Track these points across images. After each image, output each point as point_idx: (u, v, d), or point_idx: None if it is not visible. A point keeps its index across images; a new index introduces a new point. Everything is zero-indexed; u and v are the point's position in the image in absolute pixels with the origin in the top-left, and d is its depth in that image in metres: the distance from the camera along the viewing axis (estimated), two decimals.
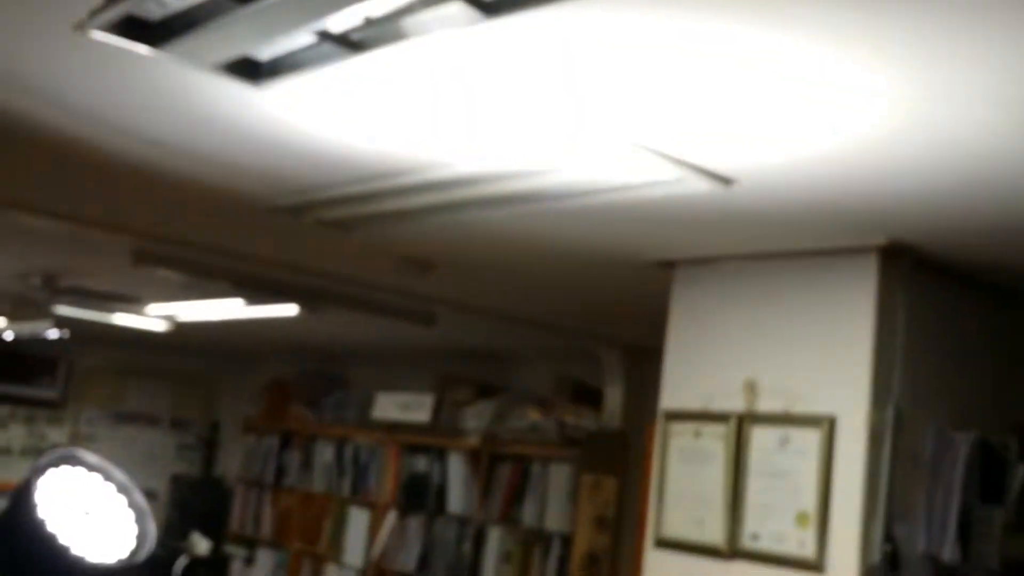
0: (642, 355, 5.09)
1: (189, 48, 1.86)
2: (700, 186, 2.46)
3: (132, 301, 5.59)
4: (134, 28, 1.86)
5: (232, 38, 1.81)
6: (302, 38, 1.83)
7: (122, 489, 2.51)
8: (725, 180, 2.44)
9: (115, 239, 4.12)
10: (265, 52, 1.94)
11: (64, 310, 5.50)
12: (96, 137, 2.68)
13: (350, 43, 1.81)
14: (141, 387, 8.61)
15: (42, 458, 2.50)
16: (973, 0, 1.48)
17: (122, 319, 5.83)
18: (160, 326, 6.07)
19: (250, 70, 1.99)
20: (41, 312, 5.50)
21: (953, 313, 3.16)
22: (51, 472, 2.46)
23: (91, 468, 2.49)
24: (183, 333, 6.47)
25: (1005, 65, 1.67)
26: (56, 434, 8.64)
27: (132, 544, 2.49)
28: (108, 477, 2.50)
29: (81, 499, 2.46)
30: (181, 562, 5.74)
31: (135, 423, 8.58)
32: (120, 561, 2.48)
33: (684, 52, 1.75)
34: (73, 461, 2.48)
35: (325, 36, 1.81)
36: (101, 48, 1.97)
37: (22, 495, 2.41)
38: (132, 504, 2.51)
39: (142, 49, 1.89)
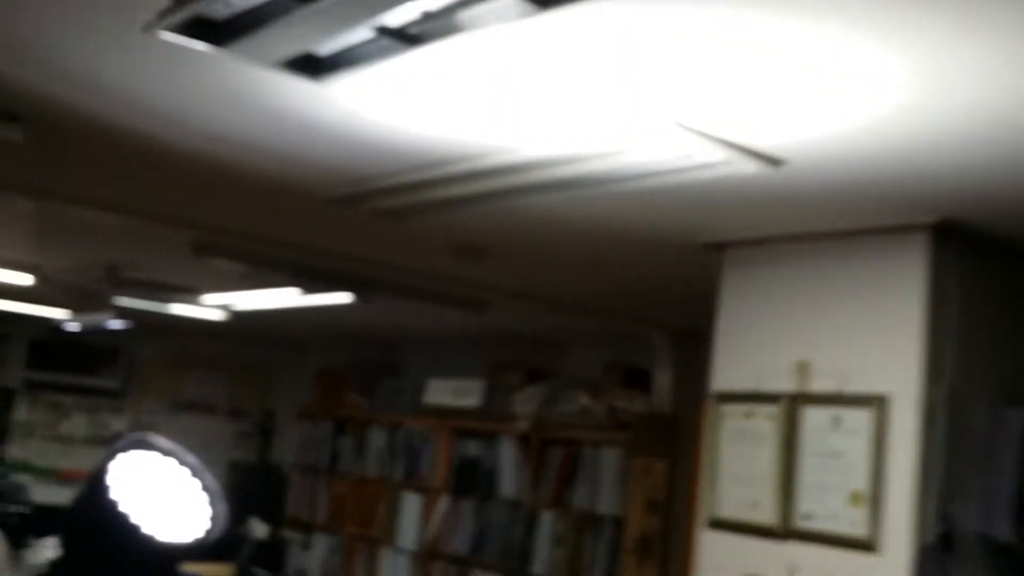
0: (691, 338, 5.11)
1: (253, 47, 1.93)
2: (749, 167, 2.50)
3: (190, 292, 5.73)
4: (200, 28, 1.94)
5: (294, 36, 1.88)
6: (361, 33, 1.89)
7: (195, 472, 2.61)
8: (774, 161, 2.47)
9: (175, 232, 4.23)
10: (325, 48, 2.01)
11: (125, 301, 5.65)
12: (158, 133, 2.77)
13: (408, 37, 1.87)
14: (198, 377, 8.79)
15: (115, 443, 2.61)
16: None
17: (180, 309, 5.97)
18: (217, 316, 6.20)
19: (311, 65, 2.06)
20: (103, 303, 5.66)
21: (1005, 290, 3.16)
22: (124, 456, 2.57)
23: (165, 452, 2.60)
24: (239, 323, 6.61)
25: None
26: (118, 423, 8.86)
27: (206, 524, 2.60)
28: (182, 461, 2.60)
29: (155, 481, 2.57)
30: (247, 547, 5.88)
31: (193, 412, 8.77)
32: (196, 540, 2.59)
33: (726, 39, 1.79)
34: (147, 446, 2.59)
35: (383, 31, 1.87)
36: (167, 48, 2.05)
37: (96, 478, 2.52)
38: (205, 486, 2.61)
39: (208, 49, 1.97)
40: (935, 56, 1.79)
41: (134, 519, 2.46)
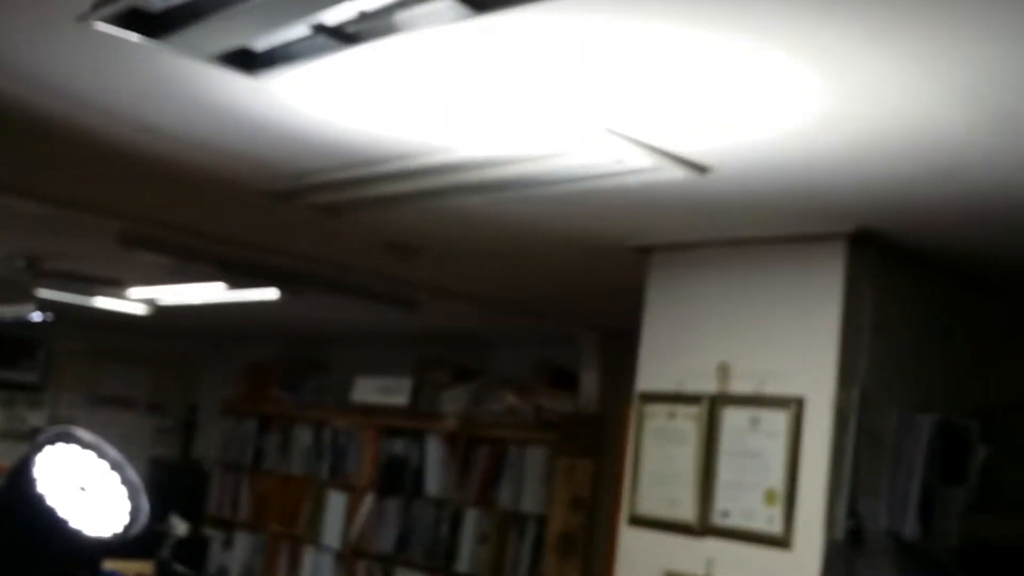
0: (618, 339, 5.20)
1: (188, 39, 1.94)
2: (677, 173, 2.57)
3: (114, 284, 5.64)
4: (135, 19, 1.93)
5: (230, 31, 1.89)
6: (298, 30, 1.91)
7: (116, 466, 2.59)
8: (701, 168, 2.54)
9: (101, 222, 4.17)
10: (261, 43, 2.02)
11: (47, 293, 5.54)
12: (88, 123, 2.74)
13: (344, 36, 1.90)
14: (119, 370, 8.64)
15: (39, 435, 2.58)
16: None
17: (104, 302, 5.87)
18: (141, 309, 6.12)
19: (246, 60, 2.07)
20: (24, 295, 5.54)
21: (919, 299, 3.28)
22: (48, 449, 2.54)
23: (86, 446, 2.57)
24: (163, 316, 6.52)
25: (966, 59, 1.78)
26: (36, 417, 8.66)
27: (126, 519, 2.58)
28: (102, 454, 2.58)
29: (76, 475, 2.54)
30: (168, 544, 5.81)
31: (113, 406, 8.61)
32: (115, 535, 2.57)
33: (654, 48, 1.85)
34: (69, 439, 2.56)
35: (320, 29, 1.89)
36: (101, 38, 2.05)
37: (21, 471, 2.49)
38: (125, 480, 2.59)
39: (142, 40, 1.96)
40: (849, 67, 1.87)
41: (60, 513, 2.44)
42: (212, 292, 5.19)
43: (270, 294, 5.09)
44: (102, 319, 6.91)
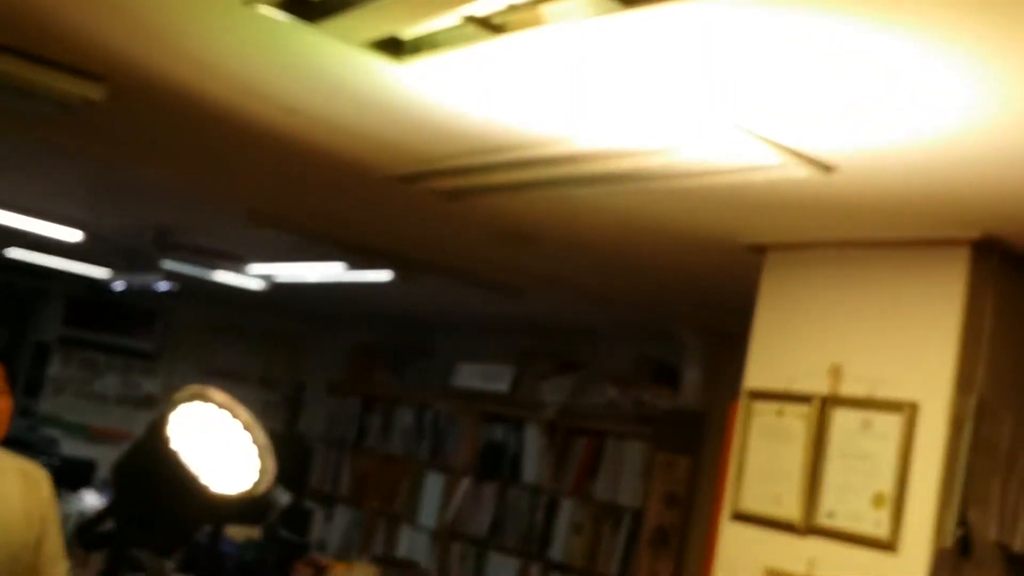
0: (722, 339, 5.20)
1: (343, 26, 2.05)
2: (801, 172, 2.59)
3: (236, 259, 5.87)
4: (295, 3, 2.05)
5: (385, 19, 1.99)
6: (448, 20, 2.00)
7: (247, 427, 2.73)
8: (826, 167, 2.56)
9: (232, 198, 4.37)
10: (410, 31, 2.12)
11: (172, 265, 5.80)
12: (235, 102, 2.89)
13: (491, 26, 1.98)
14: (232, 345, 8.96)
15: (176, 394, 2.74)
16: None
17: (224, 276, 6.11)
18: (258, 285, 6.35)
19: (394, 47, 2.17)
20: (150, 265, 5.81)
21: None
22: (184, 407, 2.69)
23: (220, 406, 2.72)
24: (277, 293, 6.75)
25: None
26: (150, 385, 9.04)
27: (254, 477, 2.72)
28: (235, 415, 2.72)
29: (210, 434, 2.69)
30: (274, 511, 6.03)
31: (225, 379, 8.94)
32: (243, 492, 2.71)
33: (794, 44, 1.89)
34: (205, 398, 2.72)
35: (469, 19, 1.98)
36: (258, 19, 2.17)
37: (157, 427, 2.64)
38: (256, 441, 2.73)
39: (301, 23, 2.08)
40: (992, 71, 1.87)
41: (193, 469, 2.59)
42: (330, 271, 5.37)
43: (384, 276, 5.25)
44: (218, 293, 7.19)
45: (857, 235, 3.19)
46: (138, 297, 8.08)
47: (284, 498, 6.97)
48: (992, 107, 2.03)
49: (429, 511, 7.13)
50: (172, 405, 2.69)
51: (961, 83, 1.94)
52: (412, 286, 5.59)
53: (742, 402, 3.48)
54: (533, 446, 6.49)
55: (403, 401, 7.59)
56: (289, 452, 8.47)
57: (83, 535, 2.67)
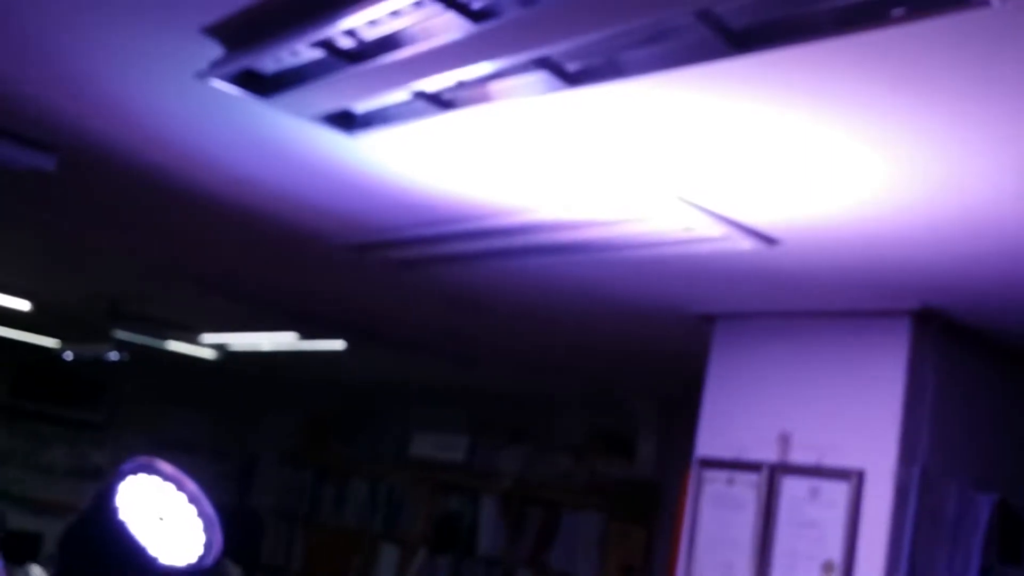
0: (675, 407, 5.24)
1: (296, 100, 2.09)
2: (745, 244, 2.65)
3: (188, 329, 5.83)
4: (248, 79, 2.09)
5: (337, 94, 2.03)
6: (399, 95, 2.05)
7: (193, 499, 2.70)
8: (769, 240, 2.62)
9: (184, 268, 4.35)
10: (362, 106, 2.16)
11: (123, 334, 5.74)
12: (187, 173, 2.91)
13: (441, 102, 2.03)
14: (184, 415, 8.82)
15: (123, 465, 2.70)
16: (988, 79, 1.67)
17: (176, 346, 6.06)
18: (210, 354, 6.30)
19: (346, 121, 2.22)
20: (102, 335, 5.74)
21: (980, 378, 3.30)
22: (131, 478, 2.66)
23: (167, 478, 2.69)
24: (229, 363, 6.69)
25: None
26: (99, 456, 8.86)
27: (200, 551, 2.68)
28: (181, 487, 2.69)
29: (156, 505, 2.66)
30: None
31: (175, 449, 8.79)
32: (189, 565, 2.67)
33: (728, 124, 1.96)
34: (150, 470, 2.68)
35: (419, 95, 2.02)
36: (211, 94, 2.20)
37: (104, 498, 2.61)
38: (202, 513, 2.70)
39: (254, 99, 2.12)
40: (912, 150, 1.95)
41: (141, 541, 2.55)
42: (282, 340, 5.35)
43: (337, 345, 5.24)
44: (171, 363, 7.11)
45: (803, 305, 3.25)
46: (88, 367, 7.96)
47: (234, 572, 6.83)
48: (913, 184, 2.11)
49: None
50: (119, 476, 2.66)
51: (882, 161, 2.02)
52: (365, 355, 5.58)
53: (693, 471, 3.50)
54: (489, 517, 6.44)
55: (357, 472, 7.50)
56: (240, 525, 8.32)
57: None
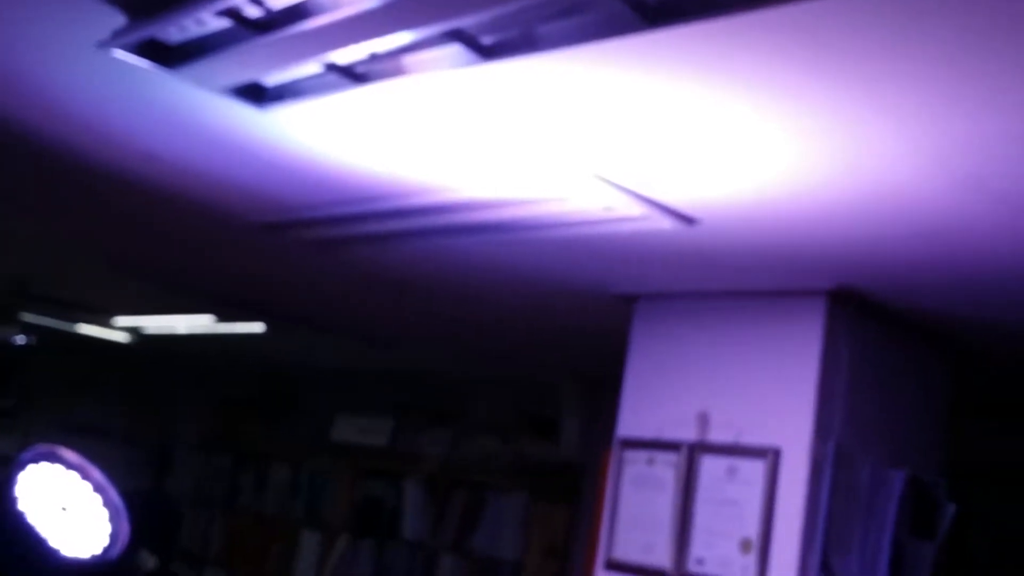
0: (598, 388, 5.25)
1: (203, 72, 2.01)
2: (665, 224, 2.65)
3: (99, 312, 5.66)
4: (153, 49, 2.01)
5: (245, 66, 1.96)
6: (309, 68, 1.99)
7: (98, 488, 2.62)
8: (688, 219, 2.62)
9: (93, 248, 4.22)
10: (272, 78, 2.09)
11: (31, 317, 5.56)
12: (91, 148, 2.80)
13: (354, 75, 1.97)
14: (95, 400, 8.60)
15: (23, 453, 2.61)
16: (906, 57, 1.67)
17: (88, 329, 5.89)
18: (124, 337, 6.14)
19: (256, 94, 2.14)
20: (9, 318, 5.55)
21: (894, 357, 3.36)
22: (32, 467, 2.57)
23: (70, 466, 2.60)
24: (143, 346, 6.53)
25: (937, 125, 1.87)
26: (6, 443, 8.58)
27: (106, 541, 2.60)
28: (86, 476, 2.61)
29: (58, 495, 2.57)
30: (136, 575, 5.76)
31: (88, 435, 8.55)
32: (94, 556, 2.59)
33: (642, 101, 1.94)
34: (53, 458, 2.59)
35: (331, 67, 1.96)
36: (115, 65, 2.12)
37: (3, 488, 2.51)
38: (107, 503, 2.62)
39: (157, 70, 2.03)
40: (820, 128, 1.95)
41: (41, 532, 2.46)
42: (199, 322, 5.23)
43: (255, 327, 5.14)
44: (82, 346, 6.92)
45: (722, 285, 3.27)
46: None
47: (150, 562, 6.68)
48: (824, 163, 2.12)
49: (305, 571, 6.92)
50: (19, 465, 2.57)
51: (793, 140, 2.02)
52: (285, 337, 5.49)
53: (614, 451, 3.50)
54: (413, 500, 6.40)
55: (277, 457, 7.39)
56: (155, 512, 8.14)
57: None
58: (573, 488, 5.48)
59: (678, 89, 1.88)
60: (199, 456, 8.09)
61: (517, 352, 5.18)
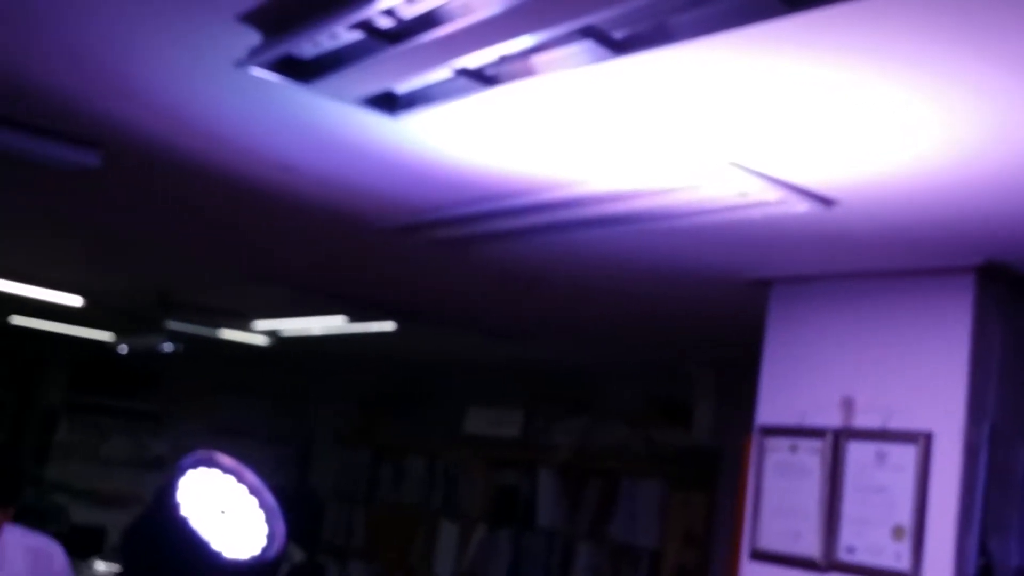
0: (733, 373, 5.17)
1: (337, 84, 2.05)
2: (801, 207, 2.58)
3: (239, 316, 5.86)
4: (288, 65, 2.06)
5: (377, 76, 1.99)
6: (440, 74, 2.00)
7: (254, 491, 2.70)
8: (826, 201, 2.55)
9: (232, 256, 4.37)
10: (403, 86, 2.12)
11: (176, 325, 5.79)
12: (230, 162, 2.90)
13: (484, 78, 1.98)
14: (238, 401, 8.91)
15: (182, 460, 2.71)
16: None
17: (229, 334, 6.10)
18: (262, 341, 6.33)
19: (388, 102, 2.18)
20: (154, 327, 5.80)
21: None
22: (190, 473, 2.66)
23: (226, 470, 2.69)
24: (281, 348, 6.73)
25: None
26: (158, 446, 8.99)
27: (263, 542, 2.68)
28: (242, 479, 2.69)
29: (217, 499, 2.66)
30: (284, 569, 5.97)
31: (233, 436, 8.88)
32: (253, 558, 2.67)
33: (782, 85, 1.89)
34: (210, 463, 2.69)
35: (461, 72, 1.98)
36: (252, 82, 2.18)
37: (166, 494, 2.61)
38: (263, 504, 2.70)
39: (294, 85, 2.09)
40: (969, 102, 1.87)
41: (203, 536, 2.55)
42: (332, 323, 5.35)
43: (386, 326, 5.23)
44: (224, 351, 7.17)
45: (862, 266, 3.17)
46: (143, 359, 8.07)
47: (297, 555, 6.91)
48: (970, 137, 2.03)
49: (445, 561, 7.05)
50: (179, 471, 2.67)
51: (938, 114, 1.95)
52: (416, 335, 5.57)
53: (755, 438, 3.44)
54: (546, 490, 6.43)
55: (413, 450, 7.53)
56: (300, 508, 8.41)
57: None
58: (710, 475, 5.41)
59: (815, 72, 1.82)
60: (338, 452, 8.31)
61: (649, 339, 5.14)
